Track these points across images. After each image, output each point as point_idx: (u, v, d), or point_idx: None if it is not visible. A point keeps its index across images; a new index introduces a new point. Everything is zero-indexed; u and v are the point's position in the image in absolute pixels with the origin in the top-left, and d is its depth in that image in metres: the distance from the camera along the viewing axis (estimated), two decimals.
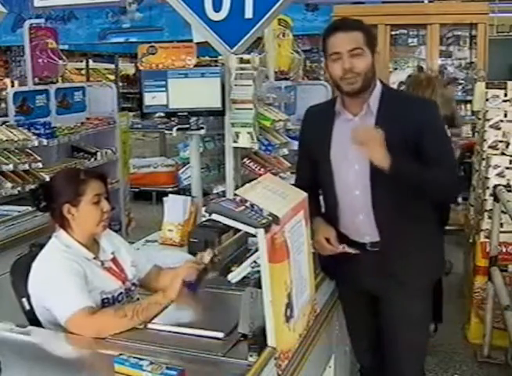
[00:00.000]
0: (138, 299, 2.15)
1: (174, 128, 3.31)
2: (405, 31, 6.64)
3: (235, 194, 1.90)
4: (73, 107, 4.83)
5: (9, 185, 3.70)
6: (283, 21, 4.56)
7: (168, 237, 3.18)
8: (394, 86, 6.23)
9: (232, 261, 2.63)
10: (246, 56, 3.18)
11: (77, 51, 10.92)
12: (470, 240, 3.95)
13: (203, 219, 3.11)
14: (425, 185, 2.11)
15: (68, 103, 4.77)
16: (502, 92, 3.71)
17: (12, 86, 8.90)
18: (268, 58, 4.25)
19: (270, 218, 1.69)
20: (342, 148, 2.18)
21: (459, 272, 4.67)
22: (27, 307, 2.06)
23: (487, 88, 3.78)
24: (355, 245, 2.23)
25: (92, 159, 4.76)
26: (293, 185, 2.09)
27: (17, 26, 8.01)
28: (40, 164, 3.94)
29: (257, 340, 1.70)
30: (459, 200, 4.24)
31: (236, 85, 3.15)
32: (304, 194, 1.99)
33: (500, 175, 3.55)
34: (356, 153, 2.13)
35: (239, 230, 2.37)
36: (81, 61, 12.21)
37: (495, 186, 3.45)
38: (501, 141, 3.66)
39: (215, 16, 3.14)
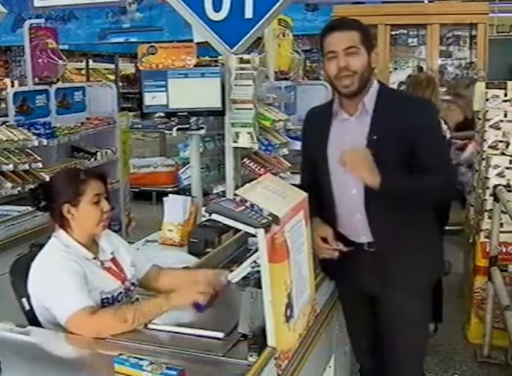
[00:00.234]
0: (137, 299, 2.15)
1: (174, 128, 3.32)
2: (405, 31, 6.64)
3: (235, 194, 1.90)
4: (73, 107, 4.83)
5: (8, 185, 3.71)
6: (283, 21, 4.56)
7: (168, 237, 3.18)
8: (394, 86, 6.24)
9: (232, 261, 2.63)
10: (246, 56, 3.18)
11: (77, 51, 10.93)
12: (470, 240, 3.95)
13: (203, 219, 3.11)
14: (421, 196, 2.14)
15: (68, 103, 4.77)
16: (502, 92, 3.71)
17: (12, 86, 8.94)
18: (268, 58, 4.25)
19: (270, 218, 1.69)
20: (339, 147, 2.19)
21: (459, 272, 4.67)
22: (27, 307, 2.06)
23: (487, 88, 3.77)
24: (353, 245, 2.23)
25: (92, 159, 4.77)
26: (297, 186, 2.09)
27: (17, 26, 8.02)
28: (40, 164, 3.94)
29: (257, 340, 1.70)
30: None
31: (236, 85, 3.15)
32: (304, 194, 1.99)
33: (500, 175, 3.55)
34: None
35: (239, 230, 2.38)
36: (81, 61, 12.22)
37: (495, 186, 3.45)
38: (501, 141, 3.65)
39: (215, 16, 3.14)
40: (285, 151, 3.80)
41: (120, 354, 1.57)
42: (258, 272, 1.73)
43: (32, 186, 3.38)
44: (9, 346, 1.86)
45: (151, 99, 3.29)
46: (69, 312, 1.89)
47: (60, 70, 4.69)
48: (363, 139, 2.12)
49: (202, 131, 3.37)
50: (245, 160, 3.59)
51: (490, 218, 3.50)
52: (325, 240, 2.19)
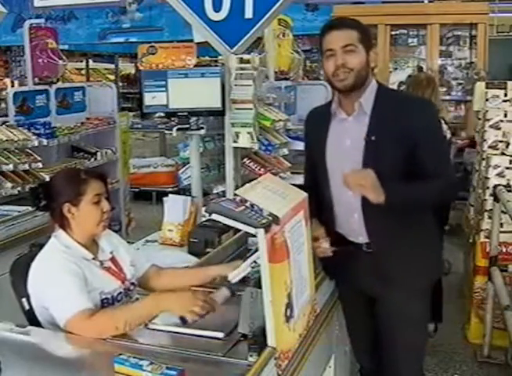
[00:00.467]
0: (137, 299, 2.15)
1: (174, 128, 3.32)
2: (405, 31, 6.63)
3: (235, 194, 1.90)
4: (73, 107, 4.83)
5: (9, 185, 3.71)
6: (283, 21, 4.56)
7: (168, 237, 3.18)
8: (394, 86, 6.25)
9: (232, 261, 2.63)
10: (246, 56, 3.18)
11: (77, 51, 10.92)
12: (470, 240, 3.95)
13: (203, 219, 3.12)
14: (423, 203, 2.16)
15: (68, 103, 4.77)
16: (502, 92, 3.71)
17: (12, 86, 8.93)
18: (268, 58, 4.25)
19: (270, 218, 1.69)
20: (337, 147, 2.19)
21: (459, 272, 4.67)
22: (27, 307, 2.05)
23: (487, 88, 3.77)
24: (353, 246, 2.23)
25: (92, 159, 4.77)
26: (299, 186, 2.09)
27: (17, 26, 8.01)
28: (40, 164, 3.94)
29: (257, 340, 1.70)
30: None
31: (236, 85, 3.16)
32: (304, 194, 1.99)
33: (500, 175, 3.55)
34: (350, 152, 2.14)
35: (239, 230, 2.38)
36: (81, 61, 12.21)
37: (495, 186, 3.45)
38: (501, 141, 3.66)
39: (215, 16, 3.14)
40: (285, 151, 3.80)
41: (120, 354, 1.57)
42: (258, 272, 1.74)
43: (32, 186, 3.39)
44: (9, 346, 1.86)
45: (151, 99, 3.29)
46: (68, 314, 1.89)
47: (60, 70, 4.69)
48: (361, 139, 2.12)
49: (202, 131, 3.38)
50: (245, 160, 3.59)
51: (490, 218, 3.50)
52: (317, 239, 2.19)
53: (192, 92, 3.28)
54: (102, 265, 2.09)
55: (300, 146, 3.58)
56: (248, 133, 3.19)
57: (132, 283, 2.17)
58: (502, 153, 3.63)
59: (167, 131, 5.61)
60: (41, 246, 2.09)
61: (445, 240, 3.45)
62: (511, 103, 3.70)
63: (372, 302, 2.33)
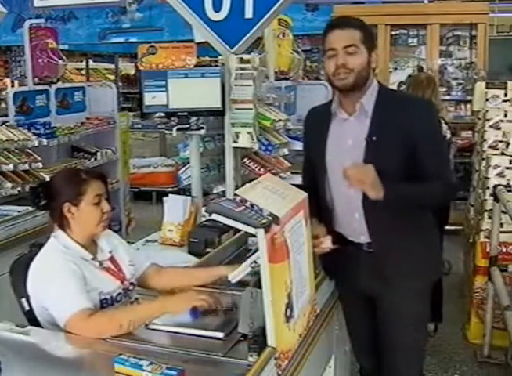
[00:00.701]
0: (136, 299, 2.15)
1: (174, 128, 3.32)
2: (405, 31, 6.63)
3: (235, 194, 1.90)
4: (73, 107, 4.84)
5: (9, 185, 3.71)
6: (283, 21, 4.56)
7: (168, 237, 3.18)
8: (394, 86, 6.25)
9: (232, 261, 2.63)
10: (246, 56, 3.18)
11: (77, 51, 10.91)
12: (470, 240, 3.96)
13: (203, 219, 3.12)
14: (422, 202, 2.18)
15: (68, 103, 4.78)
16: (503, 92, 3.71)
17: (12, 86, 8.94)
18: (268, 58, 4.25)
19: (270, 218, 1.69)
20: (338, 147, 2.19)
21: (459, 272, 4.68)
22: (27, 307, 2.05)
23: (487, 88, 3.78)
24: (353, 246, 2.23)
25: (92, 159, 4.77)
26: (298, 186, 2.09)
27: (17, 26, 8.01)
28: (40, 164, 3.94)
29: (257, 340, 1.70)
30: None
31: (236, 85, 3.16)
32: (304, 194, 1.99)
33: (500, 175, 3.55)
34: (351, 151, 2.14)
35: (239, 230, 2.37)
36: (81, 61, 12.20)
37: (495, 186, 3.45)
38: (501, 141, 3.66)
39: (215, 16, 3.14)
40: (285, 151, 3.80)
41: (120, 354, 1.57)
42: (258, 272, 1.73)
43: (32, 185, 3.39)
44: (9, 346, 1.86)
45: (151, 99, 3.29)
46: (67, 314, 1.89)
47: (60, 70, 4.69)
48: (362, 139, 2.12)
49: (202, 131, 3.37)
50: (245, 160, 3.59)
51: (490, 218, 3.50)
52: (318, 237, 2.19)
53: (192, 92, 3.28)
54: (101, 265, 2.09)
55: (300, 146, 3.57)
56: (248, 133, 3.19)
57: (132, 283, 2.16)
58: (502, 153, 3.63)
59: (167, 132, 5.60)
60: (41, 246, 2.09)
61: (445, 240, 3.45)
62: (511, 102, 3.70)
63: (372, 302, 2.33)
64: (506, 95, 3.70)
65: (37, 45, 4.49)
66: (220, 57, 7.38)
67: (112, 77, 12.71)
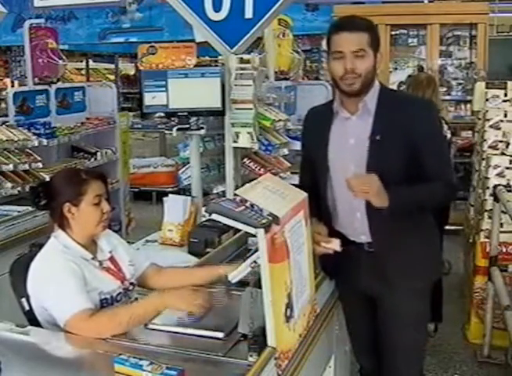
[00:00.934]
0: (136, 299, 2.15)
1: (174, 128, 3.32)
2: (405, 31, 6.63)
3: (235, 194, 1.90)
4: (73, 107, 4.84)
5: (9, 185, 3.71)
6: (283, 21, 4.56)
7: (168, 237, 3.18)
8: (394, 86, 6.25)
9: (232, 261, 2.63)
10: (246, 56, 3.18)
11: (77, 51, 10.91)
12: (470, 240, 3.95)
13: (203, 219, 3.11)
14: (424, 204, 2.18)
15: (68, 103, 4.78)
16: (503, 92, 3.71)
17: (12, 86, 8.93)
18: (268, 58, 4.25)
19: (270, 218, 1.69)
20: (340, 146, 2.19)
21: (459, 272, 4.68)
22: (27, 307, 2.05)
23: (487, 88, 3.78)
24: (354, 245, 2.23)
25: (92, 159, 4.77)
26: (296, 186, 2.09)
27: (17, 26, 8.00)
28: (40, 164, 3.95)
29: (257, 340, 1.70)
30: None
31: (236, 85, 3.15)
32: (304, 194, 1.99)
33: (500, 175, 3.55)
34: (353, 151, 2.14)
35: (239, 230, 2.37)
36: (81, 61, 12.20)
37: (495, 186, 3.45)
38: (501, 141, 3.66)
39: (215, 16, 3.14)
40: (285, 151, 3.80)
41: (120, 354, 1.57)
42: (258, 272, 1.74)
43: (33, 185, 3.39)
44: (9, 346, 1.86)
45: (151, 99, 3.29)
46: (68, 315, 1.89)
47: (60, 70, 4.69)
48: (366, 138, 2.13)
49: (202, 131, 3.37)
50: (245, 160, 3.59)
51: (490, 218, 3.50)
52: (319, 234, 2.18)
53: (192, 92, 3.28)
54: (101, 265, 2.09)
55: (300, 146, 3.58)
56: (248, 133, 3.19)
57: (131, 283, 2.17)
58: (502, 153, 3.63)
59: (167, 132, 5.60)
60: (41, 246, 2.09)
61: (445, 240, 3.45)
62: (511, 102, 3.70)
63: (372, 302, 2.33)
64: (506, 95, 3.70)
65: (37, 45, 4.49)
66: (220, 57, 7.37)
67: (112, 77, 12.71)
